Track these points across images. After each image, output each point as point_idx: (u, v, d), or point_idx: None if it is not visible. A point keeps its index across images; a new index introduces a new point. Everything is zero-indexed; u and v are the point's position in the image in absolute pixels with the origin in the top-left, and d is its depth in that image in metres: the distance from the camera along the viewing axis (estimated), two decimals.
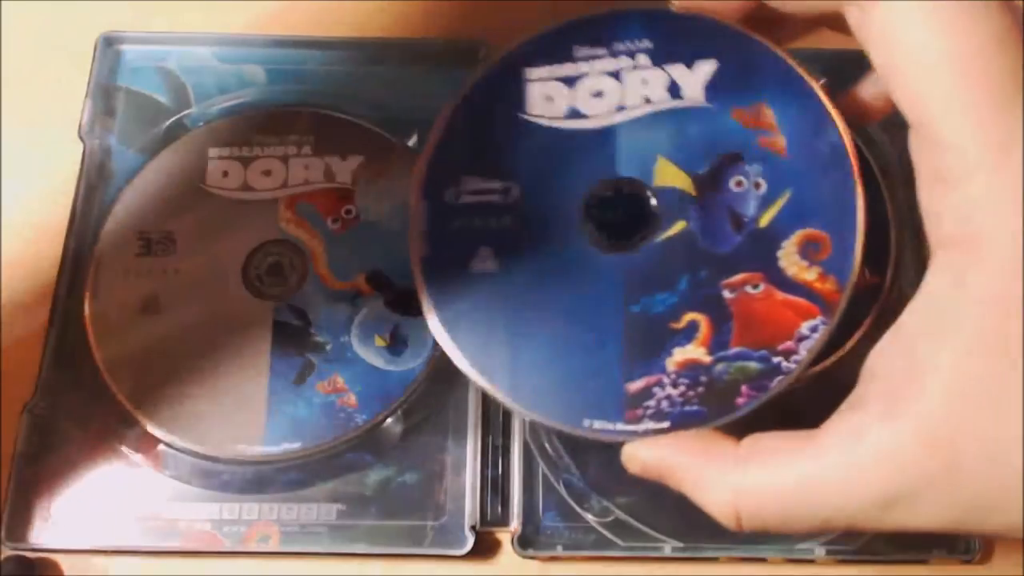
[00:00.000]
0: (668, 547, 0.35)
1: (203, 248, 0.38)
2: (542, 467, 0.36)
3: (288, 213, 0.39)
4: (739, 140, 0.29)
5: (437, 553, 0.35)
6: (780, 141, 0.29)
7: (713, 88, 0.30)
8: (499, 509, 0.36)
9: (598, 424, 0.28)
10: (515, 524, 0.35)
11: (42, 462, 0.36)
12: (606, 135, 0.30)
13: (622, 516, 0.35)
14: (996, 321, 0.22)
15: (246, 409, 0.36)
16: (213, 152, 0.40)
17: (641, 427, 0.28)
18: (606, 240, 0.30)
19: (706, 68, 0.30)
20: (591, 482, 0.36)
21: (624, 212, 0.30)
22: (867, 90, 0.29)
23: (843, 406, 0.25)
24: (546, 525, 0.36)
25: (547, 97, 0.31)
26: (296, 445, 0.35)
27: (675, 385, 0.28)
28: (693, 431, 0.27)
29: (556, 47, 0.31)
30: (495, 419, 0.37)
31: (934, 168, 0.23)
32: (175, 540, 0.35)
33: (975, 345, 0.22)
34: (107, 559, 0.36)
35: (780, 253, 0.29)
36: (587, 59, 0.31)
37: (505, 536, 0.36)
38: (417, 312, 0.37)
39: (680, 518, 0.35)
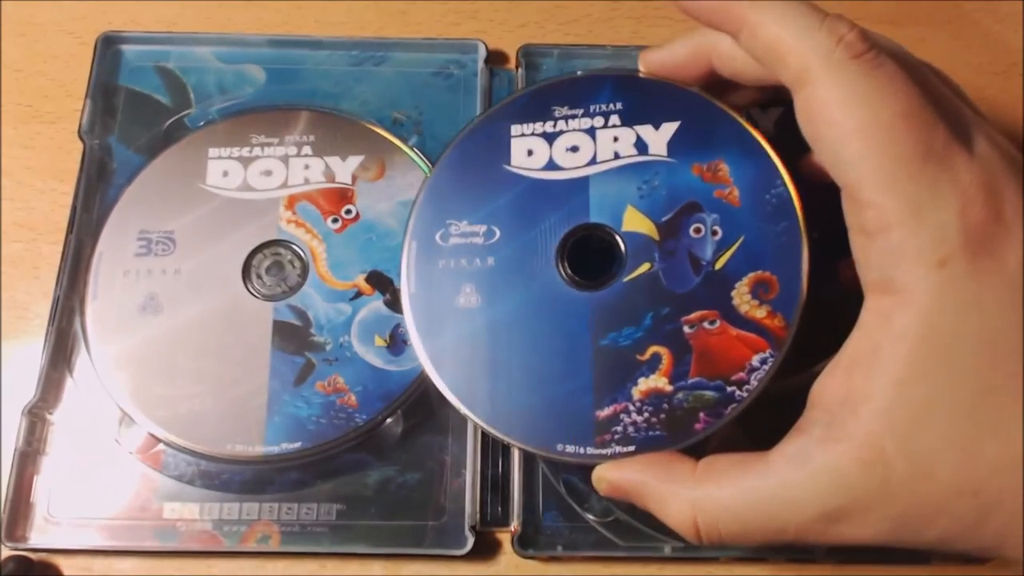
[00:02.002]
0: (668, 547, 0.35)
1: (203, 248, 0.38)
2: (542, 467, 0.36)
3: (288, 213, 0.39)
4: (698, 191, 0.33)
5: (437, 553, 0.35)
6: (734, 193, 0.33)
7: (675, 145, 0.34)
8: (499, 509, 0.36)
9: (570, 448, 0.31)
10: (515, 524, 0.35)
11: (42, 462, 0.36)
12: (580, 185, 0.34)
13: (622, 516, 0.35)
14: (919, 355, 0.25)
15: (246, 409, 0.36)
16: (213, 152, 0.40)
17: (608, 451, 0.31)
18: (578, 279, 0.33)
19: (670, 127, 0.34)
20: (590, 481, 0.36)
21: (595, 254, 0.34)
22: (809, 161, 0.32)
23: (791, 431, 0.28)
24: (546, 525, 0.36)
25: (528, 151, 0.34)
26: (296, 445, 0.35)
27: (640, 412, 0.31)
28: (655, 453, 0.30)
29: (538, 107, 0.35)
30: None
31: (859, 223, 0.26)
32: (175, 540, 0.35)
33: (903, 375, 0.25)
34: (107, 559, 0.36)
35: (733, 293, 0.32)
36: (565, 118, 0.35)
37: (505, 536, 0.36)
38: None
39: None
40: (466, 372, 0.33)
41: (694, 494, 0.28)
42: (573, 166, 0.34)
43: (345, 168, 0.40)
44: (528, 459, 0.36)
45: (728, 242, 0.32)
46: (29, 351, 0.38)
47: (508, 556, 0.36)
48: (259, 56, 0.43)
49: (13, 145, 0.42)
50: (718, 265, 0.32)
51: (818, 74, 0.26)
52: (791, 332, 0.31)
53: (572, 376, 0.32)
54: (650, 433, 0.31)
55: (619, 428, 0.31)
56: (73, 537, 0.35)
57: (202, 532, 0.35)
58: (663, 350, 0.32)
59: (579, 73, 0.37)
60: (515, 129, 0.35)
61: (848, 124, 0.26)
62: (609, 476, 0.30)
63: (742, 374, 0.31)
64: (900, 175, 0.25)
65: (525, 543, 0.35)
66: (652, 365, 0.32)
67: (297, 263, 0.38)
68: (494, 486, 0.36)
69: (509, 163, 0.34)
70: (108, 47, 0.43)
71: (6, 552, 0.35)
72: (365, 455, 0.37)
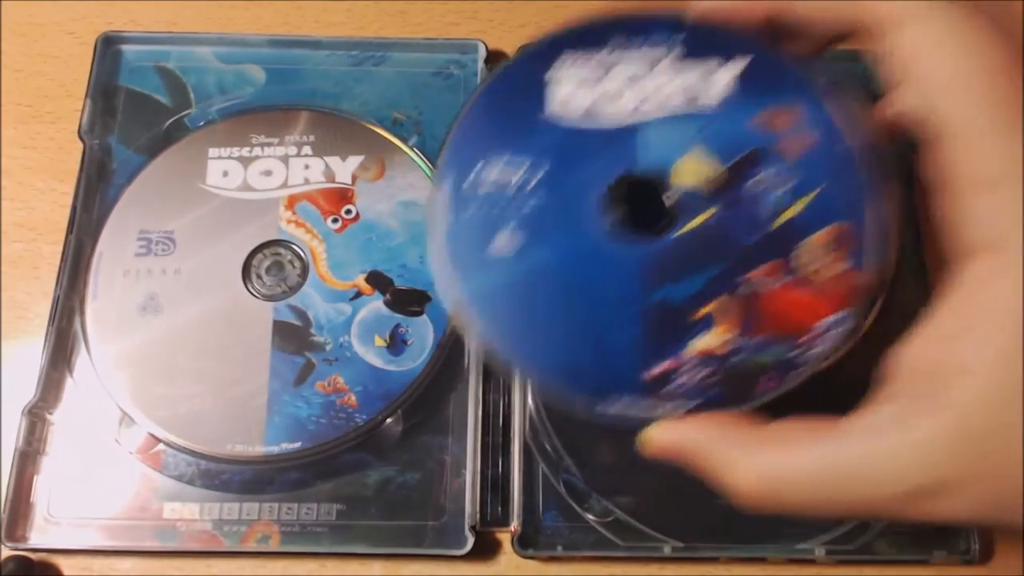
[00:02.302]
0: (668, 547, 0.35)
1: (203, 248, 0.38)
2: (542, 467, 0.36)
3: (288, 213, 0.39)
4: (763, 139, 0.30)
5: (437, 553, 0.35)
6: (804, 142, 0.30)
7: (738, 92, 0.31)
8: (499, 509, 0.36)
9: (619, 405, 0.29)
10: (515, 524, 0.35)
11: (42, 462, 0.36)
12: (631, 129, 0.31)
13: (622, 516, 0.35)
14: None
15: (246, 409, 0.36)
16: (213, 152, 0.40)
17: (660, 410, 0.29)
18: (628, 230, 0.30)
19: (732, 70, 0.31)
20: (590, 481, 0.36)
21: (647, 204, 0.31)
22: (886, 110, 0.29)
23: (871, 400, 0.26)
24: (546, 525, 0.36)
25: (574, 90, 0.31)
26: (296, 445, 0.35)
27: (695, 371, 0.29)
28: (715, 413, 0.28)
29: (587, 40, 0.32)
30: (495, 419, 0.37)
31: (954, 179, 0.24)
32: (175, 540, 0.35)
33: (1007, 346, 0.23)
34: (107, 559, 0.36)
35: (803, 248, 0.29)
36: (616, 54, 0.31)
37: (505, 536, 0.36)
38: (417, 312, 0.37)
39: (680, 518, 0.35)
40: (506, 323, 0.30)
41: (760, 460, 0.26)
42: (623, 109, 0.31)
43: (345, 168, 0.40)
44: (528, 459, 0.36)
45: (798, 194, 0.29)
46: (29, 351, 0.38)
47: (508, 556, 0.36)
48: (259, 56, 0.43)
49: (13, 145, 0.42)
50: (786, 216, 0.29)
51: (913, 16, 0.25)
52: (869, 293, 0.28)
53: (620, 331, 0.29)
54: (706, 394, 0.29)
55: (671, 387, 0.29)
56: (73, 537, 0.35)
57: (202, 532, 0.35)
58: (721, 308, 0.29)
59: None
60: (559, 65, 0.31)
61: (946, 72, 0.24)
62: (662, 437, 0.28)
63: (809, 336, 0.29)
64: (1006, 128, 0.24)
65: (525, 543, 0.35)
66: (709, 322, 0.29)
67: (297, 263, 0.38)
68: (494, 486, 0.36)
69: (551, 104, 0.31)
70: (108, 47, 0.43)
71: (6, 552, 0.35)
72: (365, 455, 0.36)
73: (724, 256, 0.30)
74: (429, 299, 0.37)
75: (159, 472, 0.36)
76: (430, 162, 0.40)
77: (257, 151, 0.40)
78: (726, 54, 0.31)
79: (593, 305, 0.30)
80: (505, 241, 0.31)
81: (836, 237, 0.29)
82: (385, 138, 0.40)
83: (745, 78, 0.31)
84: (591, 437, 0.37)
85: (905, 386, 0.25)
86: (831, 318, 0.29)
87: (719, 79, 0.31)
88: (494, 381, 0.38)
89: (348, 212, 0.39)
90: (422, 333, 0.37)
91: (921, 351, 0.25)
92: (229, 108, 0.42)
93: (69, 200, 0.40)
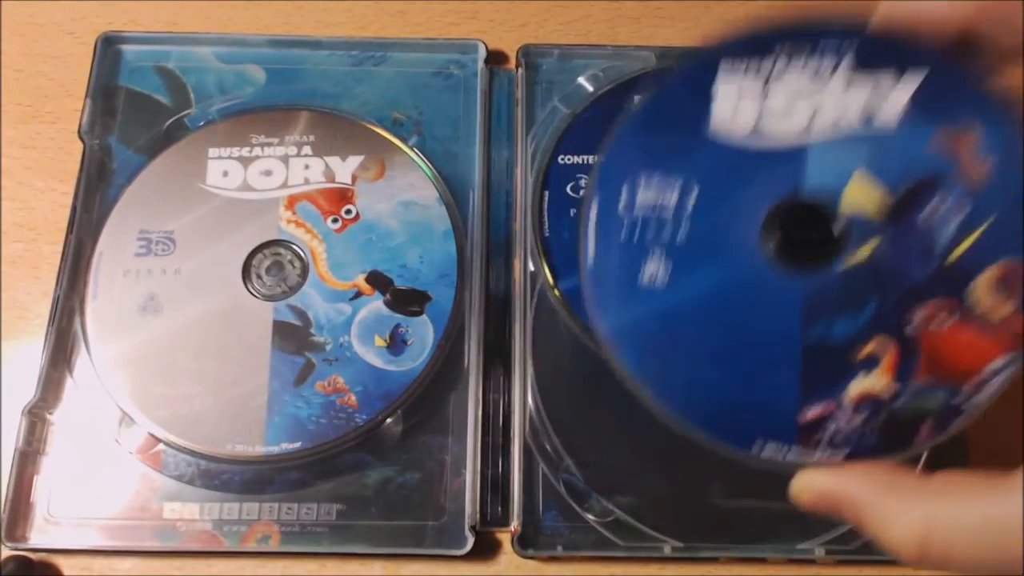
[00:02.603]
0: (668, 547, 0.35)
1: (203, 248, 0.38)
2: (542, 467, 0.36)
3: (288, 213, 0.39)
4: (938, 165, 0.28)
5: (437, 553, 0.35)
6: (981, 169, 0.28)
7: (914, 110, 0.28)
8: (499, 509, 0.36)
9: (770, 449, 0.28)
10: (515, 524, 0.35)
11: (42, 462, 0.36)
12: (797, 151, 0.29)
13: (622, 516, 0.35)
14: None
15: (246, 409, 0.36)
16: (213, 152, 0.40)
17: (815, 456, 0.27)
18: (789, 259, 0.29)
19: (908, 89, 0.29)
20: (590, 481, 0.36)
21: (810, 232, 0.29)
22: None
23: None
24: (546, 525, 0.36)
25: (737, 105, 0.29)
26: (296, 445, 0.35)
27: (853, 416, 0.28)
28: (875, 462, 0.27)
29: (751, 50, 0.29)
30: (495, 419, 0.37)
31: None
32: (175, 540, 0.35)
33: None
34: (107, 559, 0.36)
35: (975, 285, 0.28)
36: (783, 65, 0.29)
37: (505, 536, 0.36)
38: (417, 312, 0.37)
39: (680, 517, 0.35)
40: (652, 355, 0.28)
41: (929, 510, 0.25)
42: (788, 127, 0.29)
43: (345, 168, 0.40)
44: (528, 459, 0.36)
45: (971, 226, 0.28)
46: (29, 351, 0.38)
47: (508, 556, 0.36)
48: (259, 56, 0.43)
49: (13, 145, 0.42)
50: (958, 252, 0.28)
51: None
52: None
53: (776, 369, 0.28)
54: (864, 440, 0.27)
55: (828, 432, 0.27)
56: (73, 537, 0.35)
57: (202, 532, 0.35)
58: (886, 347, 0.28)
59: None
60: (720, 79, 0.29)
61: None
62: (820, 484, 0.27)
63: (976, 381, 0.27)
64: None
65: (525, 543, 0.35)
66: (872, 363, 0.28)
67: (297, 263, 0.38)
68: (494, 486, 0.36)
69: (708, 121, 0.29)
70: (108, 47, 0.43)
71: (6, 552, 0.35)
72: (365, 455, 0.37)
73: (892, 291, 0.28)
74: (429, 299, 0.37)
75: (159, 472, 0.36)
76: (430, 162, 0.40)
77: (257, 151, 0.40)
78: (901, 66, 0.29)
79: (749, 341, 0.28)
80: (657, 269, 0.29)
81: (1007, 274, 0.27)
82: (385, 138, 0.40)
83: (921, 95, 0.28)
84: (591, 437, 0.37)
85: None
86: (998, 362, 0.27)
87: (894, 96, 0.29)
88: (494, 381, 0.38)
89: (348, 212, 0.39)
90: (422, 333, 0.37)
91: None
92: (229, 108, 0.42)
93: (69, 200, 0.40)
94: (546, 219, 0.39)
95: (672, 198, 0.29)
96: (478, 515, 0.36)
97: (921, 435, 0.27)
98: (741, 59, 0.29)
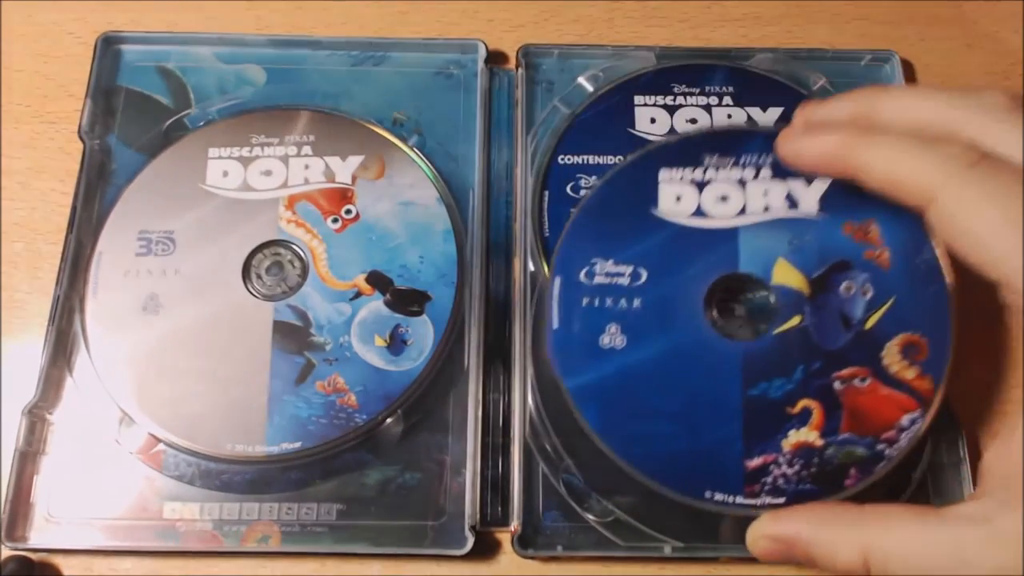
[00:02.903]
0: (668, 547, 0.35)
1: (203, 248, 0.38)
2: (542, 467, 0.36)
3: (288, 213, 0.39)
4: (848, 250, 0.34)
5: (437, 553, 0.35)
6: (885, 254, 0.33)
7: (827, 203, 0.34)
8: (499, 509, 0.36)
9: (719, 496, 0.32)
10: (515, 524, 0.35)
11: (42, 462, 0.36)
12: (730, 235, 0.34)
13: (622, 516, 0.35)
14: None
15: (246, 409, 0.36)
16: (213, 152, 0.40)
17: (759, 501, 0.32)
18: (728, 328, 0.34)
19: (821, 184, 0.34)
20: (590, 481, 0.36)
21: (745, 304, 0.35)
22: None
23: (970, 495, 0.32)
24: (546, 525, 0.36)
25: (677, 197, 0.35)
26: (296, 445, 0.35)
27: (790, 464, 0.32)
28: (816, 502, 0.31)
29: (688, 153, 0.35)
30: (495, 419, 0.37)
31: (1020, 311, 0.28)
32: (175, 540, 0.35)
33: None
34: (107, 559, 0.36)
35: (884, 352, 0.33)
36: (716, 167, 0.35)
37: (505, 536, 0.36)
38: (417, 312, 0.37)
39: (680, 518, 0.35)
40: (613, 413, 0.33)
41: (866, 534, 0.28)
42: (722, 215, 0.34)
43: (345, 168, 0.40)
44: (528, 459, 0.36)
45: (878, 302, 0.33)
46: (29, 351, 0.38)
47: (508, 556, 0.36)
48: (259, 56, 0.43)
49: (13, 145, 0.42)
50: (868, 324, 0.33)
51: (942, 192, 0.28)
52: (939, 394, 0.32)
53: (722, 424, 0.33)
54: (800, 486, 0.32)
55: (769, 479, 0.32)
56: (73, 537, 0.35)
57: (202, 532, 0.35)
58: (814, 404, 0.33)
59: (731, 126, 0.38)
60: (664, 174, 0.35)
61: (984, 227, 0.27)
62: (771, 529, 0.30)
63: (892, 433, 0.32)
64: None
65: (525, 543, 0.35)
66: (803, 419, 0.33)
67: (297, 263, 0.38)
68: (494, 486, 0.36)
69: (656, 207, 0.35)
70: (108, 47, 0.43)
71: (6, 552, 0.35)
72: (365, 455, 0.37)
73: (817, 355, 0.33)
74: (429, 299, 0.37)
75: (159, 472, 0.36)
76: (430, 162, 0.40)
77: (257, 151, 0.40)
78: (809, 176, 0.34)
79: (698, 398, 0.33)
80: (614, 334, 0.34)
81: (909, 343, 0.33)
82: (385, 138, 0.40)
83: (829, 195, 0.34)
84: (591, 437, 0.37)
85: (998, 483, 0.28)
86: (908, 416, 0.32)
87: (807, 195, 0.34)
88: (494, 381, 0.38)
89: (348, 212, 0.39)
90: (422, 333, 0.37)
91: (1009, 458, 0.28)
92: (229, 108, 0.42)
93: (69, 200, 0.40)
94: (546, 219, 0.39)
95: (626, 272, 0.34)
96: (478, 515, 0.36)
97: (850, 479, 0.32)
98: (676, 167, 0.35)
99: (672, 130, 0.40)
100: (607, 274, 0.34)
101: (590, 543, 0.36)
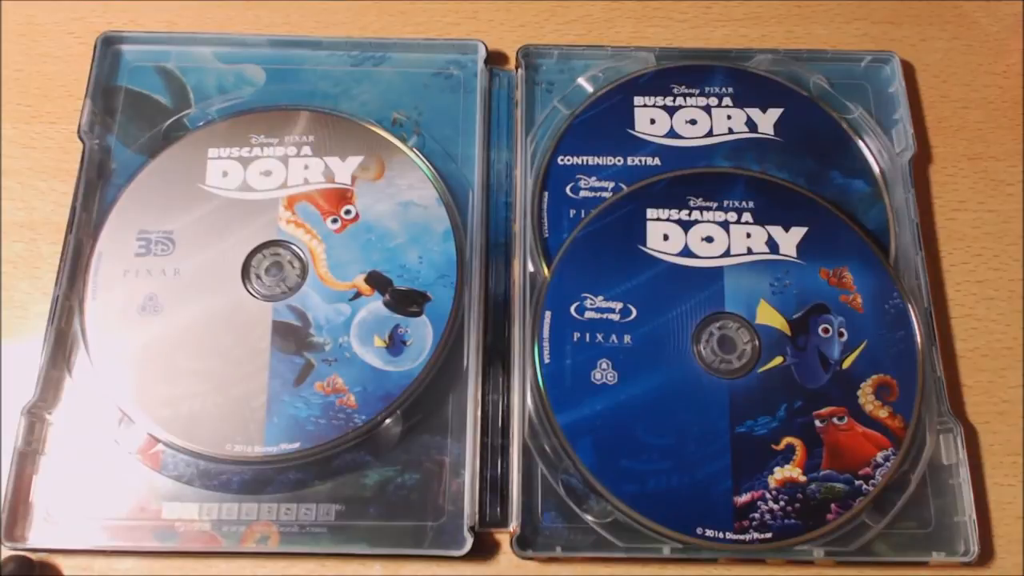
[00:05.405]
0: (667, 547, 0.35)
1: (202, 248, 0.38)
2: (541, 468, 0.36)
3: (288, 213, 0.39)
4: (825, 294, 0.36)
5: (436, 554, 0.35)
6: (857, 299, 0.36)
7: (804, 248, 0.36)
8: (498, 510, 0.36)
9: (710, 532, 0.34)
10: (514, 525, 0.35)
11: (41, 462, 0.36)
12: (715, 274, 0.36)
13: (621, 517, 0.35)
14: None
15: (245, 409, 0.36)
16: (213, 152, 0.40)
17: (747, 536, 0.34)
18: (714, 365, 0.35)
19: (799, 231, 0.37)
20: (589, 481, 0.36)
21: (726, 343, 0.36)
22: None
23: None
24: (545, 526, 0.36)
25: (664, 235, 0.37)
26: (295, 445, 0.35)
27: (776, 500, 0.34)
28: None
29: (674, 195, 0.37)
30: (494, 420, 0.37)
31: None
32: (174, 540, 0.35)
33: None
34: (107, 559, 0.36)
35: (859, 392, 0.35)
36: (700, 209, 0.37)
37: (504, 537, 0.36)
38: (416, 312, 0.37)
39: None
40: (606, 449, 0.34)
41: None
42: (708, 255, 0.36)
43: (345, 168, 0.40)
44: (527, 460, 0.36)
45: (853, 344, 0.35)
46: (29, 351, 0.38)
47: (507, 557, 0.36)
48: (259, 56, 0.43)
49: (13, 145, 0.42)
50: (845, 365, 0.35)
51: None
52: (909, 433, 0.34)
53: (711, 460, 0.34)
54: (786, 521, 0.33)
55: (756, 515, 0.34)
56: (73, 537, 0.35)
57: (201, 532, 0.35)
58: (796, 441, 0.34)
59: (715, 169, 0.39)
60: (651, 213, 0.37)
61: None
62: None
63: (868, 469, 0.34)
64: None
65: (524, 544, 0.35)
66: (787, 455, 0.34)
67: (296, 263, 0.38)
68: (493, 487, 0.36)
69: (645, 244, 0.37)
70: (108, 47, 0.43)
71: (6, 552, 0.35)
72: (364, 455, 0.37)
73: (800, 393, 0.35)
74: (428, 299, 0.37)
75: (158, 472, 0.36)
76: (430, 162, 0.40)
77: (257, 151, 0.40)
78: (796, 217, 0.37)
79: (687, 434, 0.34)
80: (605, 370, 0.35)
81: (882, 384, 0.35)
82: (385, 138, 0.40)
83: (805, 241, 0.36)
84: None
85: None
86: (884, 452, 0.34)
87: (791, 238, 0.37)
88: (493, 382, 0.38)
89: (348, 212, 0.39)
90: (421, 333, 0.37)
91: None
92: (229, 108, 0.42)
93: (69, 200, 0.40)
94: (545, 219, 0.39)
95: (616, 308, 0.36)
96: (477, 516, 0.36)
97: (831, 513, 0.34)
98: (662, 208, 0.37)
99: (672, 131, 0.40)
100: (597, 309, 0.36)
101: (589, 544, 0.35)
